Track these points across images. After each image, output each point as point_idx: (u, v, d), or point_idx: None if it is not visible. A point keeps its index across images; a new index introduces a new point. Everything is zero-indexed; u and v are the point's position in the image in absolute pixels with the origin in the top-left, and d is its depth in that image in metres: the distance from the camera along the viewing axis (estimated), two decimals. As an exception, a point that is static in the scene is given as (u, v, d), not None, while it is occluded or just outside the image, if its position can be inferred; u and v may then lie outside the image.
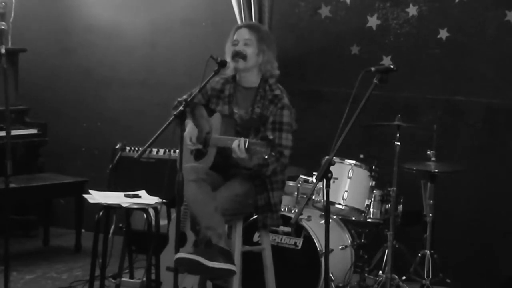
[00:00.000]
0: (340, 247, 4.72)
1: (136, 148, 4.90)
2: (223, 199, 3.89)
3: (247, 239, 4.36)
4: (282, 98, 4.06)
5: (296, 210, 4.65)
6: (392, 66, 3.53)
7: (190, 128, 4.09)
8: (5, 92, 4.13)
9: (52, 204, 6.01)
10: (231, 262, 3.76)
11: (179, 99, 4.19)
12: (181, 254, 3.71)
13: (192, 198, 3.85)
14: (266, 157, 3.64)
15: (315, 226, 4.55)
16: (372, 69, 3.50)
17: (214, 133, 4.07)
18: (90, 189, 4.44)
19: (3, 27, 6.18)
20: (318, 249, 4.45)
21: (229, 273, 3.78)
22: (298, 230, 4.54)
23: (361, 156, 4.81)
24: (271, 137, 3.64)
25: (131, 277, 4.78)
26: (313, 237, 4.49)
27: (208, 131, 4.11)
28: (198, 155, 4.13)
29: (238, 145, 3.70)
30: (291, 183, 4.82)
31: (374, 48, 5.49)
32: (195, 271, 3.88)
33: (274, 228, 4.46)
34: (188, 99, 3.77)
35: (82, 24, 6.41)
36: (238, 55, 4.09)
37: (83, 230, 5.81)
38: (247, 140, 3.66)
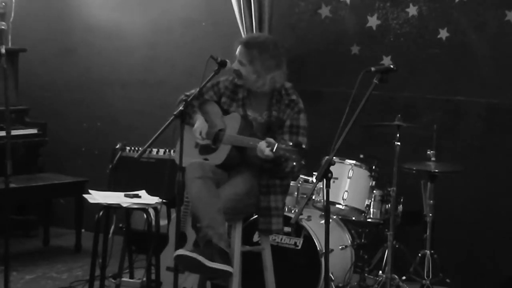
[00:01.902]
0: (340, 247, 4.72)
1: (136, 148, 4.90)
2: (225, 198, 3.88)
3: (247, 239, 4.36)
4: (299, 103, 4.08)
5: (296, 210, 4.65)
6: (392, 66, 3.53)
7: (200, 122, 4.09)
8: (5, 92, 4.13)
9: (52, 204, 6.01)
10: (229, 263, 3.76)
11: (187, 93, 4.15)
12: (180, 251, 3.71)
13: (196, 195, 3.84)
14: (294, 164, 3.62)
15: (315, 226, 4.55)
16: (372, 69, 3.50)
17: (230, 131, 4.06)
18: (90, 189, 4.44)
19: (3, 27, 6.18)
20: (318, 249, 4.45)
21: (226, 274, 3.78)
22: (298, 230, 4.54)
23: (361, 156, 4.81)
24: (304, 146, 3.60)
25: (131, 277, 4.79)
26: (313, 237, 4.49)
27: (222, 128, 4.11)
28: (205, 149, 4.12)
29: (267, 146, 3.67)
30: (291, 183, 4.81)
31: (374, 48, 5.49)
32: (193, 269, 3.89)
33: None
34: (188, 99, 3.75)
35: (82, 24, 6.41)
36: (235, 73, 4.10)
37: (83, 230, 5.81)
38: (276, 144, 3.63)
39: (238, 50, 4.10)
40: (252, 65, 4.05)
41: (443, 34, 5.31)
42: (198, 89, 3.85)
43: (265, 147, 3.70)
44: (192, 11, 6.09)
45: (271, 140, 3.70)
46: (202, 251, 3.72)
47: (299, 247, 4.54)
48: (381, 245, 4.81)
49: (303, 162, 3.63)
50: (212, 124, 4.13)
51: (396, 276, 4.68)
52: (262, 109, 4.12)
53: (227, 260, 3.76)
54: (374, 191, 4.77)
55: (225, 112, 4.19)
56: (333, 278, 4.56)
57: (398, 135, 4.66)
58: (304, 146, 3.60)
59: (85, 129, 6.45)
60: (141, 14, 6.25)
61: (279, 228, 4.11)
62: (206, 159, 4.06)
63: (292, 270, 4.52)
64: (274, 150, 3.63)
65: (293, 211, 4.69)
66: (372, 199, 4.76)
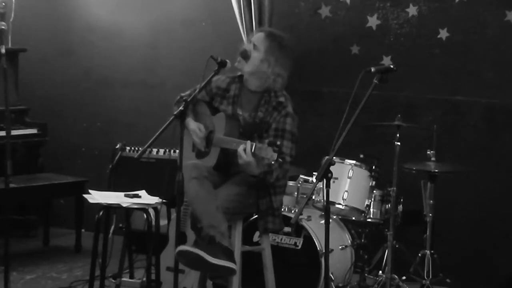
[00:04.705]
0: (340, 247, 4.72)
1: (136, 148, 4.89)
2: (223, 198, 3.88)
3: (247, 239, 4.36)
4: (287, 106, 4.03)
5: (296, 210, 4.65)
6: (392, 66, 3.54)
7: (194, 123, 4.08)
8: (5, 92, 4.13)
9: (52, 204, 6.01)
10: (233, 261, 3.75)
11: (182, 94, 4.16)
12: (182, 247, 3.69)
13: (193, 195, 3.83)
14: (272, 162, 3.62)
15: (315, 226, 4.55)
16: (372, 69, 3.50)
17: (218, 133, 4.06)
18: (90, 189, 4.44)
19: (3, 27, 6.15)
20: (318, 249, 4.45)
21: (230, 272, 3.76)
22: (298, 230, 4.54)
23: (361, 156, 4.81)
24: (278, 142, 3.60)
25: (131, 277, 4.78)
26: (313, 237, 4.48)
27: (211, 130, 4.10)
28: (200, 153, 4.12)
29: (244, 149, 3.68)
30: (291, 183, 4.82)
31: (374, 48, 5.50)
32: (195, 266, 3.82)
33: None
34: (189, 99, 3.74)
35: (82, 24, 6.42)
36: (242, 54, 4.08)
37: (83, 230, 5.81)
38: (254, 144, 3.64)
39: (258, 36, 4.12)
40: (267, 54, 4.05)
41: (443, 34, 5.32)
42: (197, 90, 3.85)
43: (243, 152, 3.69)
44: (192, 11, 6.09)
45: (248, 142, 3.70)
46: (205, 248, 3.68)
47: (299, 247, 4.54)
48: (381, 245, 4.81)
49: (279, 159, 3.60)
50: (204, 125, 4.13)
51: (396, 276, 4.68)
52: (251, 108, 4.10)
53: (231, 258, 3.75)
54: (374, 191, 4.77)
55: (215, 110, 4.18)
56: (333, 278, 4.56)
57: (398, 135, 4.66)
58: (278, 143, 3.59)
59: (85, 129, 6.45)
60: (141, 14, 6.25)
61: (275, 227, 4.11)
62: None
63: (292, 270, 4.52)
64: (253, 151, 3.63)
65: (293, 211, 4.69)
66: (372, 199, 4.76)
